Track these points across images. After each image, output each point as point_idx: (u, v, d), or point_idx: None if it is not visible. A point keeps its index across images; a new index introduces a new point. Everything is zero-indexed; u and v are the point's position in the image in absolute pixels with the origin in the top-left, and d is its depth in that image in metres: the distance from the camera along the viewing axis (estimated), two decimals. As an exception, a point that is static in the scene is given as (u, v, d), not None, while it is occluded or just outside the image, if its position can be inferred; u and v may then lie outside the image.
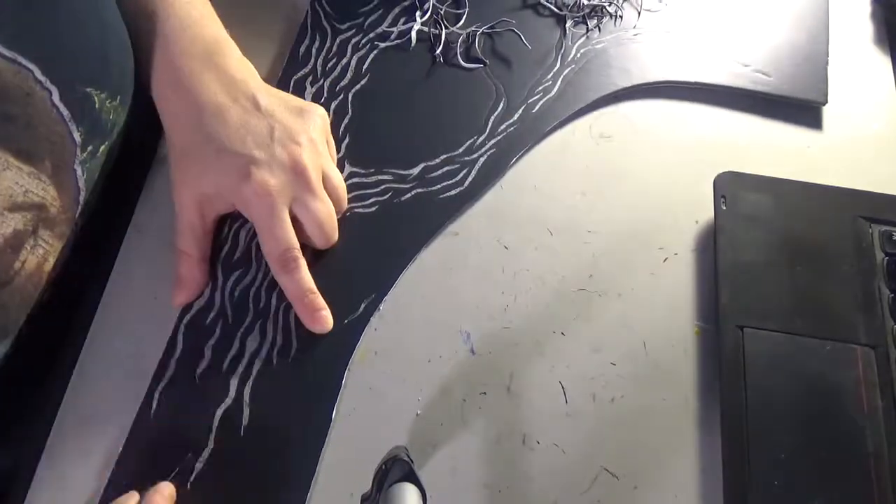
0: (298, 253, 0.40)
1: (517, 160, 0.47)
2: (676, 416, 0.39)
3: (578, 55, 0.50)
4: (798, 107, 0.49)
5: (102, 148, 0.39)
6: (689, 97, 0.50)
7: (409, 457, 0.31)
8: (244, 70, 0.42)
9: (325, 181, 0.42)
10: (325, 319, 0.40)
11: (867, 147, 0.48)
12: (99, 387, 0.40)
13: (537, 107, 0.48)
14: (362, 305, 0.41)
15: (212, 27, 0.43)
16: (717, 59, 0.50)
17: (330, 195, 0.42)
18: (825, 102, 0.49)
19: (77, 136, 0.37)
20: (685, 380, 0.40)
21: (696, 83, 0.50)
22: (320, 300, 0.40)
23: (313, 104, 0.44)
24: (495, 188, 0.46)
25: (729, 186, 0.43)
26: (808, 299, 0.40)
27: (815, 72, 0.50)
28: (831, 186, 0.44)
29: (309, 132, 0.41)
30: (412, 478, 0.29)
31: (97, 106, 0.38)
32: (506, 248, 0.44)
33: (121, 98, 0.40)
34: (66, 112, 0.36)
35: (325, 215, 0.41)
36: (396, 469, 0.30)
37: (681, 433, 0.39)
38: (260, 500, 0.36)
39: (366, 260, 0.43)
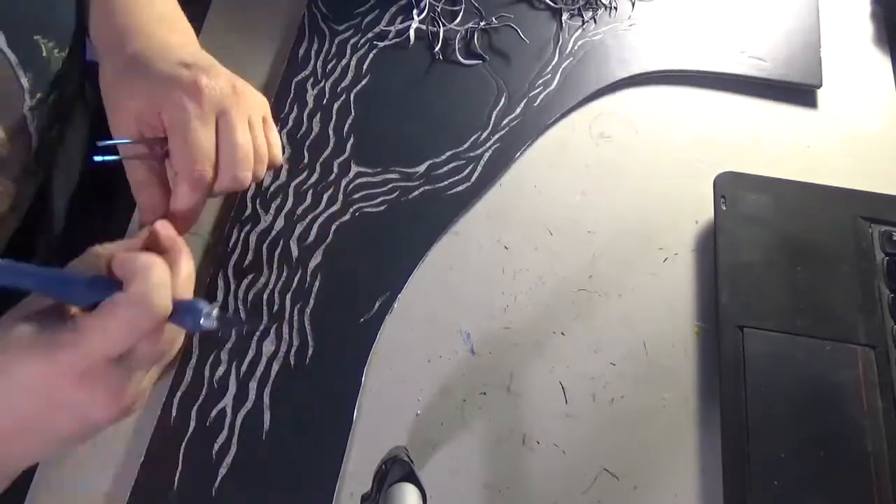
0: (210, 173, 0.35)
1: (521, 153, 0.47)
2: (676, 416, 0.39)
3: (576, 47, 0.51)
4: (798, 107, 0.49)
5: (52, 96, 0.39)
6: (688, 94, 0.50)
7: (409, 457, 0.31)
8: (195, 45, 0.40)
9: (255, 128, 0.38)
10: (194, 207, 0.36)
11: (867, 147, 0.48)
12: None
13: (538, 100, 0.49)
14: (377, 304, 0.41)
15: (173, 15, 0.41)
16: (712, 47, 0.51)
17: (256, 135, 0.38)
18: (820, 85, 0.49)
19: (25, 82, 0.36)
20: (685, 380, 0.40)
21: (693, 71, 0.50)
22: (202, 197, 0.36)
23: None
24: (496, 188, 0.46)
25: (729, 186, 0.43)
26: (808, 299, 0.40)
27: (808, 56, 0.50)
28: (831, 186, 0.44)
29: (249, 88, 0.39)
30: (412, 478, 0.29)
31: (44, 54, 0.38)
32: (506, 248, 0.44)
33: (69, 51, 0.39)
34: (12, 57, 0.35)
35: (245, 140, 0.36)
36: (396, 469, 0.30)
37: (681, 433, 0.39)
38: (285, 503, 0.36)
39: (377, 259, 0.43)
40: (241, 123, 0.36)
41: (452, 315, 0.42)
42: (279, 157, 0.40)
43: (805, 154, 0.48)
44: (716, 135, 0.48)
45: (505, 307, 0.42)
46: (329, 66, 0.50)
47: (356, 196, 0.45)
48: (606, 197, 0.46)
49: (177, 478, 0.37)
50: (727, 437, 0.37)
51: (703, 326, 0.42)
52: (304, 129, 0.47)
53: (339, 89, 0.49)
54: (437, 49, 0.50)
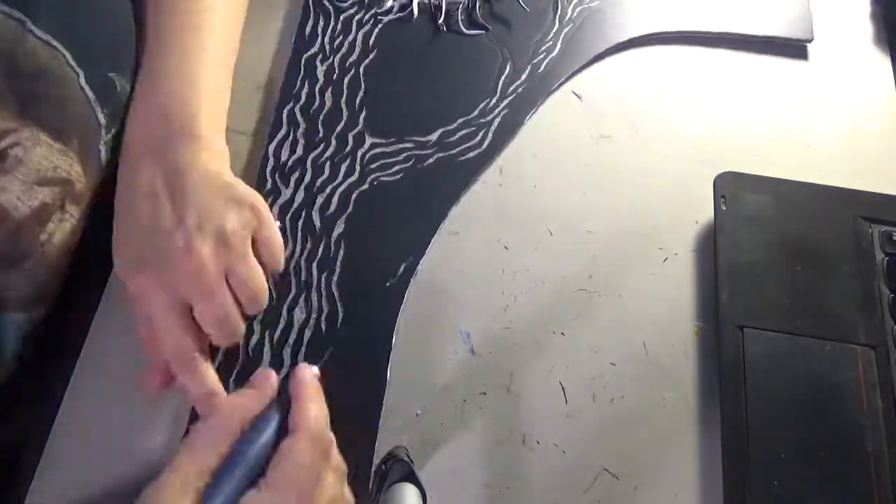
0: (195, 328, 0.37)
1: (530, 117, 0.48)
2: (676, 416, 0.39)
3: (575, 14, 0.52)
4: (798, 107, 0.49)
5: (118, 129, 0.40)
6: (691, 95, 0.50)
7: (409, 457, 0.31)
8: (194, 161, 0.39)
9: (231, 277, 0.38)
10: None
11: (867, 147, 0.48)
12: (109, 371, 0.40)
13: (542, 66, 0.50)
14: (401, 268, 0.43)
15: (202, 93, 0.40)
16: (703, 7, 0.52)
17: (238, 292, 0.38)
18: (811, 39, 0.50)
19: (101, 118, 0.39)
20: (685, 380, 0.40)
21: (687, 32, 0.51)
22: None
23: (256, 197, 0.40)
24: (495, 187, 0.46)
25: (729, 186, 0.43)
26: (808, 299, 0.40)
27: (798, 10, 0.52)
28: (831, 186, 0.44)
29: (226, 224, 0.38)
30: (412, 478, 0.29)
31: (118, 90, 0.40)
32: (506, 248, 0.44)
33: (131, 80, 0.41)
34: (91, 94, 0.38)
35: (223, 318, 0.37)
36: (396, 469, 0.30)
37: (681, 433, 0.39)
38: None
39: (397, 225, 0.44)
40: (205, 300, 0.36)
41: (452, 315, 0.42)
42: (278, 258, 0.40)
43: (805, 154, 0.48)
44: (716, 135, 0.48)
45: (505, 307, 0.42)
46: (336, 43, 0.51)
47: (373, 166, 0.46)
48: (606, 197, 0.46)
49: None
50: (727, 437, 0.37)
51: (703, 326, 0.42)
52: (317, 103, 0.48)
53: (347, 64, 0.50)
54: (440, 21, 0.51)
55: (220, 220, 0.37)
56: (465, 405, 0.39)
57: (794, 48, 0.51)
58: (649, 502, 0.37)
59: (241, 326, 0.38)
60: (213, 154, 0.40)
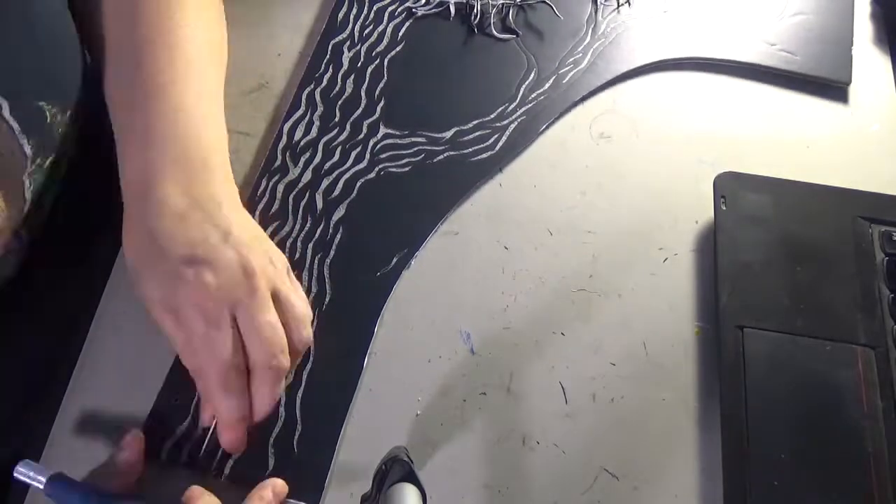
0: (244, 370, 0.35)
1: (547, 127, 0.48)
2: (676, 416, 0.39)
3: (609, 29, 0.52)
4: (798, 107, 0.49)
5: (49, 160, 0.39)
6: (691, 94, 0.50)
7: (409, 457, 0.31)
8: (222, 193, 0.38)
9: (279, 302, 0.36)
10: (242, 446, 0.35)
11: (867, 147, 0.48)
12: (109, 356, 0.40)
13: (567, 77, 0.50)
14: (394, 259, 0.43)
15: (208, 134, 0.38)
16: (743, 38, 0.51)
17: (284, 319, 0.36)
18: (849, 82, 0.49)
19: (27, 149, 0.37)
20: (685, 380, 0.40)
21: (723, 60, 0.51)
22: (246, 428, 0.35)
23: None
24: (495, 187, 0.46)
25: (729, 186, 0.43)
26: (808, 299, 0.40)
27: (840, 52, 0.51)
28: (831, 186, 0.44)
29: (269, 251, 0.37)
30: (412, 478, 0.29)
31: (48, 120, 0.38)
32: (506, 248, 0.44)
33: (70, 114, 0.40)
34: (15, 125, 0.36)
35: (271, 330, 0.35)
36: (396, 469, 0.30)
37: (681, 433, 0.39)
38: (296, 436, 0.38)
39: (398, 217, 0.45)
40: (259, 311, 0.35)
41: (452, 315, 0.42)
42: (308, 315, 0.39)
43: (805, 154, 0.48)
44: (716, 134, 0.48)
45: (505, 307, 0.42)
46: (366, 31, 0.52)
47: (383, 156, 0.46)
48: (606, 197, 0.46)
49: (192, 405, 0.38)
50: (727, 437, 0.37)
51: (703, 326, 0.42)
52: (337, 88, 0.49)
53: (373, 53, 0.51)
54: (473, 22, 0.51)
55: (266, 247, 0.38)
56: (465, 405, 0.39)
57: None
58: (649, 502, 0.37)
59: (286, 349, 0.35)
60: (233, 186, 0.39)
